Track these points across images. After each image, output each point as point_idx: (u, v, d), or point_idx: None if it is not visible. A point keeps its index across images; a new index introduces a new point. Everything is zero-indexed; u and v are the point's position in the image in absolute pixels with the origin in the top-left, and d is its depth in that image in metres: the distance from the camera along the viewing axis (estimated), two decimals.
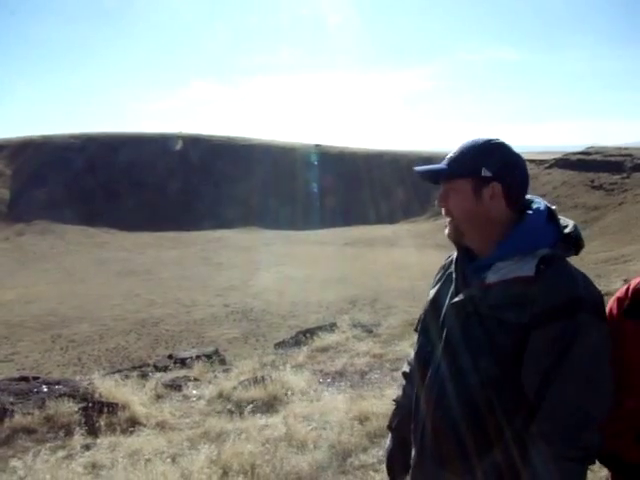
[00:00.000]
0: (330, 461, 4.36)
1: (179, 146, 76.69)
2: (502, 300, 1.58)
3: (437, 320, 1.74)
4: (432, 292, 1.85)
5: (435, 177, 1.76)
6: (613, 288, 12.22)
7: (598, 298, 1.56)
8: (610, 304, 1.71)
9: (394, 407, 2.06)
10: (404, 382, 2.04)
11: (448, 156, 1.71)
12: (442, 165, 1.71)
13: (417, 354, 1.85)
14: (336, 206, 67.26)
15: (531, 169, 71.20)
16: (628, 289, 1.69)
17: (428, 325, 1.80)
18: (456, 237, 1.72)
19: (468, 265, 1.73)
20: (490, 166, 1.65)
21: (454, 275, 1.75)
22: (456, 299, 1.68)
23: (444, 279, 1.83)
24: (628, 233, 45.27)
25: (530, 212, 1.67)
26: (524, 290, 1.55)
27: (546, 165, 69.32)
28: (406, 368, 2.04)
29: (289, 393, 5.88)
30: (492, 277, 1.61)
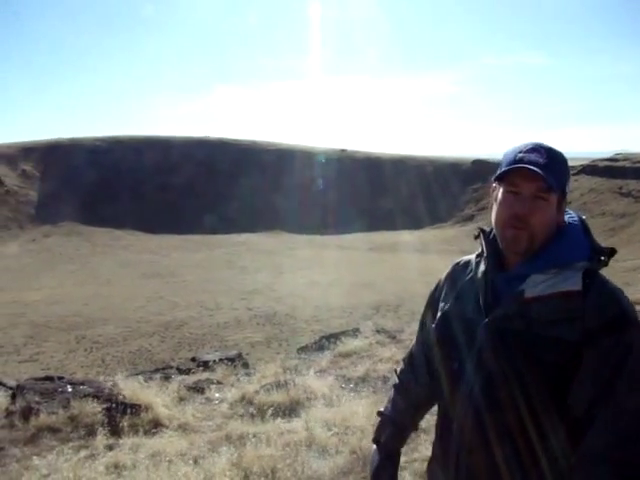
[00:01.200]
0: (352, 467, 4.34)
1: (205, 150, 77.32)
2: (547, 316, 1.51)
3: (463, 335, 1.66)
4: (446, 305, 1.76)
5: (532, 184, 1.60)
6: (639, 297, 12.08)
7: (635, 310, 1.53)
8: None
9: (379, 420, 1.99)
10: (392, 394, 1.99)
11: (539, 163, 1.56)
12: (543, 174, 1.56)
13: (445, 370, 1.73)
14: (361, 211, 67.26)
15: None
16: None
17: (449, 339, 1.71)
18: (528, 247, 1.58)
19: (498, 276, 1.64)
20: (569, 180, 1.66)
21: (481, 286, 1.67)
22: (492, 316, 1.59)
23: (459, 290, 1.75)
24: None
25: (569, 224, 1.64)
26: (571, 305, 1.50)
27: (574, 172, 68.49)
28: (396, 379, 2.00)
29: (311, 398, 5.87)
30: (532, 291, 1.55)
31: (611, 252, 1.58)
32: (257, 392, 6.17)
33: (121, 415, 5.43)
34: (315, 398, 5.86)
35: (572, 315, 1.50)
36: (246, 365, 9.34)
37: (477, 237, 1.74)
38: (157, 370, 9.55)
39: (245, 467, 4.23)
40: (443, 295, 1.80)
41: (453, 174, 72.32)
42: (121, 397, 5.80)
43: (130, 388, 6.00)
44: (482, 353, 1.59)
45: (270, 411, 5.54)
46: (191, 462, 4.41)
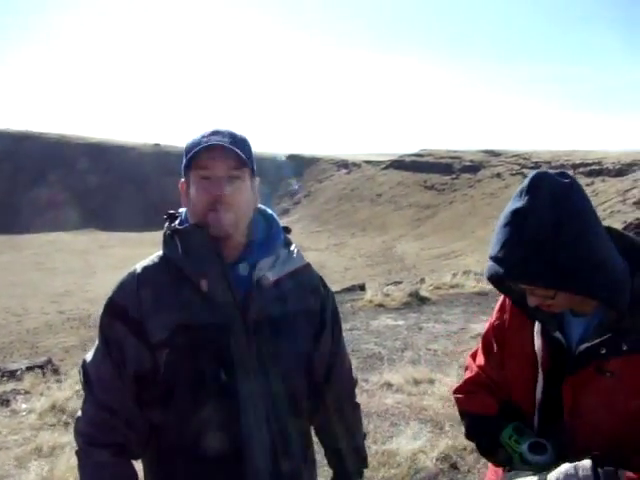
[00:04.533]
0: None
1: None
2: (294, 293, 1.75)
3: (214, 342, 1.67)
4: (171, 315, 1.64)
5: None
6: (442, 282, 13.00)
7: None
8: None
9: None
10: None
11: (224, 142, 1.60)
12: None
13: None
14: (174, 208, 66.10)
15: (368, 170, 74.03)
16: None
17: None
18: (235, 229, 1.66)
19: (232, 268, 1.69)
20: (254, 162, 1.76)
21: (220, 285, 1.67)
22: (255, 312, 1.66)
23: (178, 299, 1.66)
24: (458, 230, 48.29)
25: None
26: (305, 278, 1.80)
27: (382, 166, 72.11)
28: None
29: None
30: (271, 274, 1.71)
31: (288, 230, 1.80)
32: (69, 399, 5.80)
33: None
34: None
35: (311, 287, 1.77)
36: (57, 371, 8.76)
37: (172, 237, 1.65)
38: None
39: None
40: (150, 306, 1.62)
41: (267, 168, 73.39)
42: None
43: None
44: (262, 346, 1.64)
45: None
46: None
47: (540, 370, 1.62)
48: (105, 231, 61.21)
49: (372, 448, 4.42)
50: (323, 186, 76.37)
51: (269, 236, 1.72)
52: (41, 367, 8.64)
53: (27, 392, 6.65)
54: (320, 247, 50.32)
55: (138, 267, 1.68)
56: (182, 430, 1.62)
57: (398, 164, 70.97)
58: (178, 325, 1.58)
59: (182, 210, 1.74)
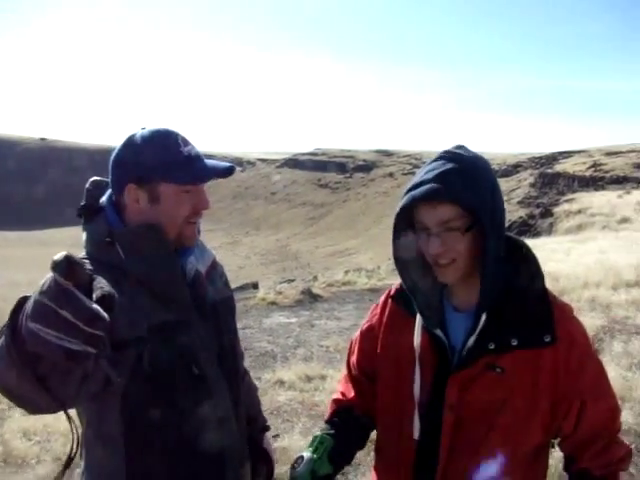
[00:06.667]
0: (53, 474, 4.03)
1: None
2: (220, 282, 1.90)
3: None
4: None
5: None
6: (335, 279, 13.16)
7: None
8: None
9: None
10: None
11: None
12: None
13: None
14: (61, 205, 63.56)
15: (262, 168, 73.98)
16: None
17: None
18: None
19: (186, 261, 1.78)
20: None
21: (176, 277, 1.73)
22: (217, 297, 1.83)
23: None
24: (351, 228, 49.12)
25: None
26: (219, 269, 1.94)
27: (277, 165, 72.22)
28: None
29: (5, 409, 5.33)
30: (201, 267, 1.80)
31: None
32: None
33: None
34: (10, 408, 5.32)
35: (224, 276, 1.91)
36: None
37: (111, 243, 1.57)
38: None
39: None
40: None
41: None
42: None
43: None
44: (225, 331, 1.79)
45: None
46: None
47: (418, 368, 1.60)
48: None
49: None
50: (217, 184, 75.68)
51: None
52: None
53: None
54: (214, 246, 49.18)
55: None
56: (181, 429, 1.61)
57: (293, 163, 71.44)
58: (150, 327, 1.52)
59: (103, 206, 1.66)
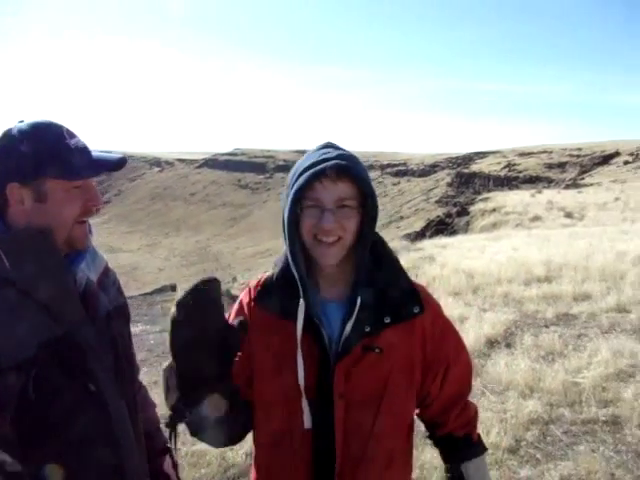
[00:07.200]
0: None
1: None
2: (114, 288, 1.79)
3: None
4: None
5: None
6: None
7: None
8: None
9: None
10: None
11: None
12: None
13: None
14: None
15: (181, 168, 72.87)
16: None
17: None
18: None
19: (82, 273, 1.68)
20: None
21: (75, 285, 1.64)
22: (112, 309, 1.70)
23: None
24: (272, 229, 49.17)
25: None
26: (111, 273, 1.81)
27: (196, 165, 71.43)
28: None
29: None
30: (94, 276, 1.68)
31: None
32: None
33: None
34: None
35: (117, 283, 1.76)
36: None
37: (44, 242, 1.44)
38: None
39: None
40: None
41: None
42: None
43: None
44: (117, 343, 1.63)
45: None
46: None
47: (301, 360, 1.55)
48: None
49: (182, 450, 4.31)
50: (134, 185, 74.41)
51: None
52: None
53: None
54: (132, 248, 48.91)
55: None
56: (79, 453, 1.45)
57: (212, 163, 71.02)
58: (39, 344, 1.36)
59: None
